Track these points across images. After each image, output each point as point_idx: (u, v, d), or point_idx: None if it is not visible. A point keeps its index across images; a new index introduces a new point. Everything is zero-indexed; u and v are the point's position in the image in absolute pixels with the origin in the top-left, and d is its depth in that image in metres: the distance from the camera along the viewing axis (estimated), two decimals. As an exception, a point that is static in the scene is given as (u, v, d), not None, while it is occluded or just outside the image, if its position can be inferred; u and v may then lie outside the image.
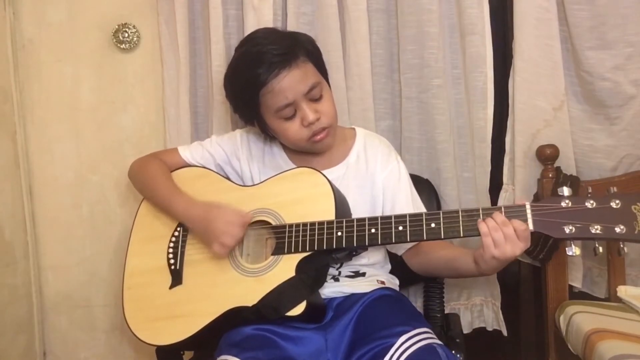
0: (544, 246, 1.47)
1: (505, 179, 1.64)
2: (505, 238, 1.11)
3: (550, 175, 1.53)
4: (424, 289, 1.56)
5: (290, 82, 1.26)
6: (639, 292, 1.47)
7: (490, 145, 1.61)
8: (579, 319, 1.39)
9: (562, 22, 1.54)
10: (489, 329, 1.68)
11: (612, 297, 1.53)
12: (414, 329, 1.14)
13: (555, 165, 1.55)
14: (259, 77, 1.26)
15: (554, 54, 1.54)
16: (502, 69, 1.65)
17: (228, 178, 1.43)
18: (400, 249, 1.39)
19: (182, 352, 1.41)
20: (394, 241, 1.20)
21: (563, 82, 1.55)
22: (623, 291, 1.48)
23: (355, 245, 1.20)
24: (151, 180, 1.40)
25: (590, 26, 1.51)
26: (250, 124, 1.41)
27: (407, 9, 1.57)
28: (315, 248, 1.21)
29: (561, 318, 1.46)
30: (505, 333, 1.67)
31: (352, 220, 1.21)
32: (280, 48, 1.26)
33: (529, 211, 1.12)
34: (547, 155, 1.54)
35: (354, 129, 1.46)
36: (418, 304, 1.61)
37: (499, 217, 1.12)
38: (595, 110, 1.57)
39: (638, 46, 1.51)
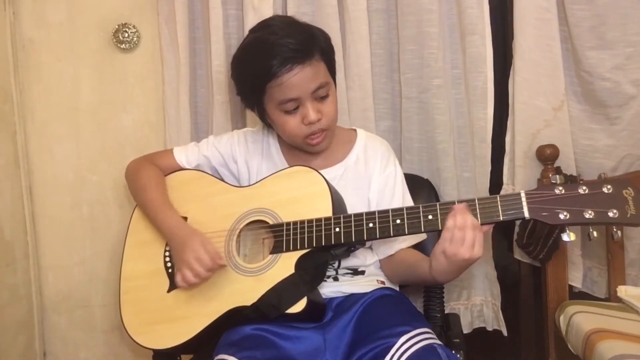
0: (544, 246, 1.47)
1: (505, 179, 1.65)
2: (464, 240, 1.09)
3: (550, 175, 1.53)
4: (424, 289, 1.55)
5: (301, 79, 1.24)
6: (639, 292, 1.48)
7: (490, 145, 1.62)
8: (579, 319, 1.38)
9: (562, 22, 1.54)
10: (489, 329, 1.68)
11: (612, 297, 1.54)
12: (415, 329, 1.14)
13: (555, 165, 1.55)
14: (270, 69, 1.23)
15: (554, 54, 1.54)
16: (502, 69, 1.65)
17: (223, 180, 1.42)
18: (380, 254, 1.38)
19: (179, 357, 1.41)
20: (392, 234, 1.19)
21: (563, 82, 1.55)
22: (623, 291, 1.48)
23: (353, 240, 1.20)
24: (142, 188, 1.39)
25: (590, 26, 1.51)
26: (250, 109, 1.40)
27: (407, 9, 1.57)
28: (314, 245, 1.21)
29: (561, 318, 1.46)
30: (505, 333, 1.67)
31: (350, 216, 1.21)
32: (296, 43, 1.24)
33: (524, 199, 1.12)
34: (547, 155, 1.54)
35: (355, 130, 1.46)
36: (418, 304, 1.60)
37: (471, 219, 1.10)
38: (595, 110, 1.57)
39: (638, 46, 1.51)
